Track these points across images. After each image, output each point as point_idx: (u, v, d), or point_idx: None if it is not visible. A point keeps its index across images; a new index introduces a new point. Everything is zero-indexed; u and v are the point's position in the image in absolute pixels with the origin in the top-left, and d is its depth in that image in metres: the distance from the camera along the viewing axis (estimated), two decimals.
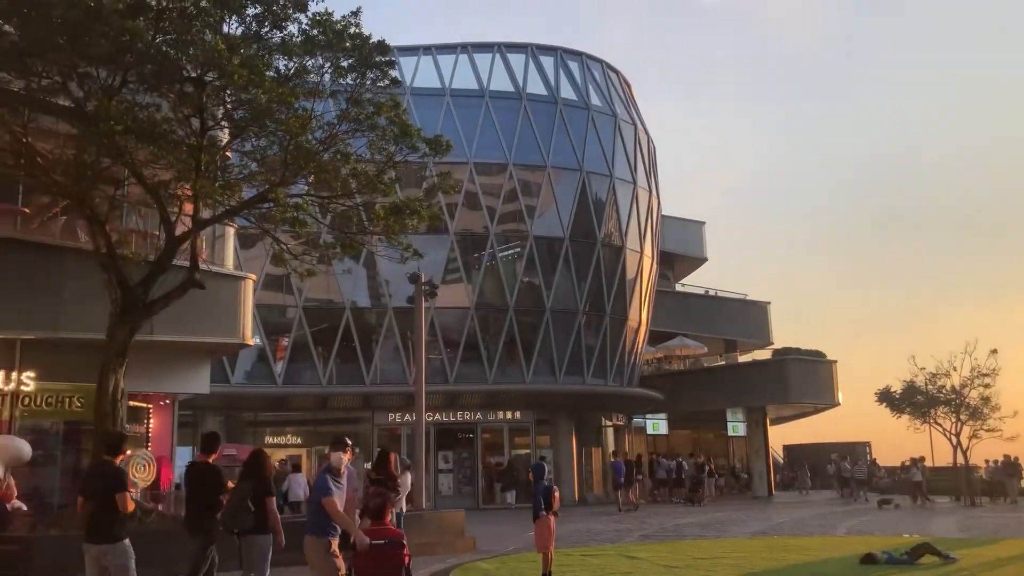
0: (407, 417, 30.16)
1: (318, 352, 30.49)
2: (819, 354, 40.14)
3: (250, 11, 12.72)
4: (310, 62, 13.35)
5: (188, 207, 13.94)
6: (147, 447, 16.86)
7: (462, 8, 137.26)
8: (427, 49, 33.72)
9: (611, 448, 36.00)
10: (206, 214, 14.20)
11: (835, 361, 40.23)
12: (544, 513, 11.37)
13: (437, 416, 31.15)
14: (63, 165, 12.96)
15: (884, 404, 35.67)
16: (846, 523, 22.99)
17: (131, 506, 7.98)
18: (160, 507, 15.13)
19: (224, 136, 14.25)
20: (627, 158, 35.03)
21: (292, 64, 13.33)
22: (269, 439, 31.59)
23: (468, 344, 31.47)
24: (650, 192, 36.41)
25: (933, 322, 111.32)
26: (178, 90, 12.79)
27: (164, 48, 12.12)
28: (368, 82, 13.72)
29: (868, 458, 44.00)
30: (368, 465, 15.04)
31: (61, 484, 16.27)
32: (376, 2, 15.92)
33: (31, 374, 14.83)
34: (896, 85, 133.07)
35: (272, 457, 11.99)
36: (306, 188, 14.67)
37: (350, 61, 13.46)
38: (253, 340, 18.95)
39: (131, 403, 15.90)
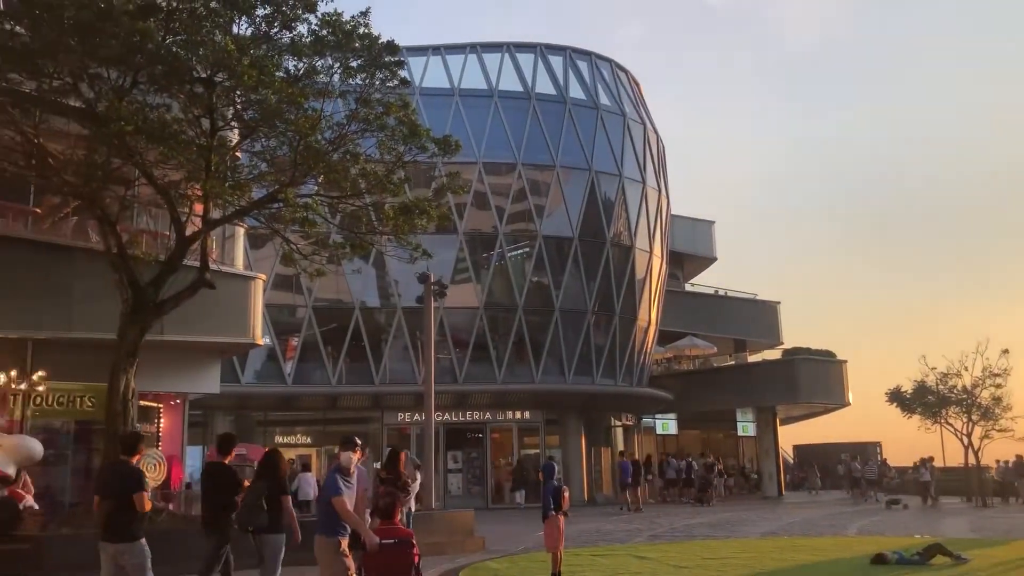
0: (416, 417, 30.17)
1: (328, 352, 30.53)
2: (829, 354, 40.03)
3: (260, 12, 12.75)
4: (319, 62, 13.38)
5: (198, 207, 13.99)
6: (157, 447, 16.92)
7: (471, 8, 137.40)
8: (436, 49, 33.74)
9: (620, 448, 35.93)
10: (216, 214, 14.26)
11: (845, 361, 40.15)
12: (554, 513, 11.37)
13: (446, 416, 31.15)
14: (74, 166, 13.01)
15: (895, 404, 35.50)
16: (856, 523, 22.91)
17: (149, 505, 8.07)
18: (171, 506, 15.20)
19: (234, 136, 14.29)
20: (636, 157, 34.98)
21: (302, 64, 13.36)
22: (279, 439, 31.64)
23: (477, 344, 31.47)
24: (659, 191, 36.34)
25: (944, 322, 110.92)
26: (188, 91, 12.83)
27: (174, 49, 12.15)
28: (377, 82, 13.74)
29: (879, 458, 43.83)
30: (378, 464, 15.08)
31: (72, 483, 16.35)
32: (385, 2, 15.93)
33: (42, 374, 14.89)
34: (906, 83, 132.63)
35: None
36: (316, 188, 14.69)
37: (359, 61, 13.47)
38: (263, 340, 19.00)
39: (142, 403, 15.96)
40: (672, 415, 41.29)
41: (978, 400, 32.91)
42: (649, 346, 36.29)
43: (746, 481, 42.20)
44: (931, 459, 33.67)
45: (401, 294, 30.09)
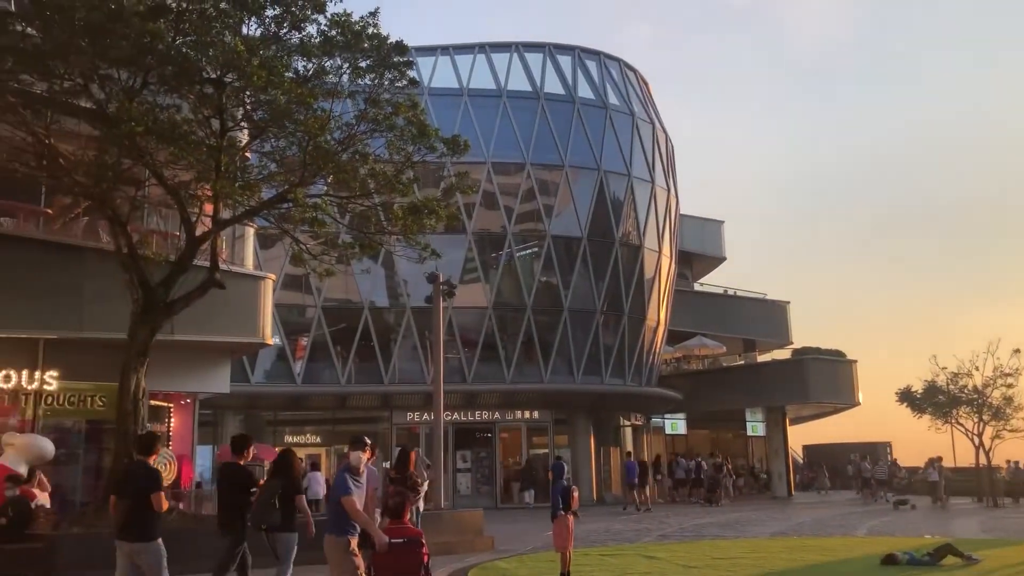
0: (425, 416, 30.22)
1: (337, 352, 30.60)
2: (839, 354, 39.89)
3: (269, 12, 12.78)
4: (328, 63, 13.40)
5: (208, 207, 14.03)
6: (168, 446, 16.98)
7: (479, 8, 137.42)
8: (445, 49, 33.77)
9: (628, 448, 35.91)
10: (226, 214, 14.29)
11: (855, 361, 40.03)
12: (563, 512, 11.36)
13: (455, 415, 31.21)
14: (85, 166, 13.07)
15: (905, 404, 35.37)
16: (866, 524, 22.83)
17: (166, 505, 8.14)
18: (181, 505, 15.25)
19: (244, 137, 14.33)
20: (645, 157, 34.93)
21: (311, 65, 13.38)
22: (288, 438, 31.71)
23: (486, 344, 31.49)
24: (668, 191, 36.28)
25: (955, 321, 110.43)
26: (198, 91, 12.87)
27: (184, 50, 12.20)
28: (386, 82, 13.75)
29: (889, 458, 43.69)
30: (387, 464, 15.13)
31: (83, 482, 16.43)
32: (394, 2, 15.96)
33: (54, 373, 14.99)
34: (916, 83, 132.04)
35: None
36: (325, 188, 14.71)
37: (368, 62, 13.49)
38: (273, 340, 19.05)
39: (152, 402, 16.03)
40: (681, 415, 41.24)
41: (989, 400, 32.76)
42: (658, 346, 36.24)
43: (755, 481, 42.11)
44: (939, 459, 33.55)
45: (410, 294, 30.10)
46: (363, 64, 13.48)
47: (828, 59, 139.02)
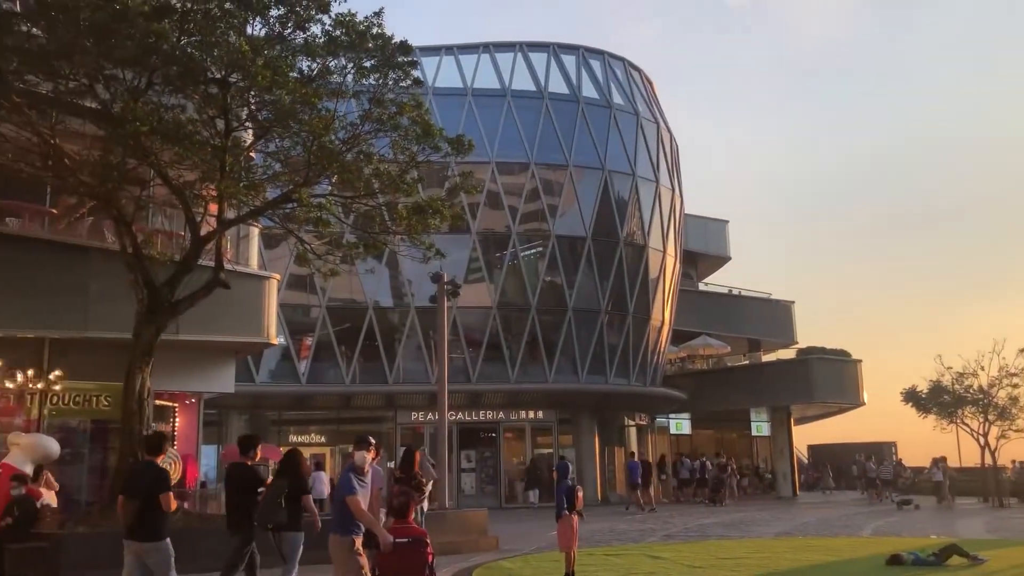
0: (430, 416, 30.21)
1: (341, 351, 30.61)
2: (844, 353, 39.80)
3: (273, 12, 12.81)
4: (333, 63, 13.42)
5: (213, 207, 14.06)
6: (173, 445, 17.01)
7: (484, 8, 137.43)
8: (449, 49, 33.76)
9: (632, 448, 35.89)
10: (231, 214, 14.32)
11: (860, 360, 39.91)
12: (567, 512, 11.36)
13: (460, 415, 31.19)
14: (90, 166, 13.10)
15: (910, 404, 35.31)
16: (872, 524, 22.79)
17: (175, 505, 8.16)
18: (185, 505, 15.27)
19: (248, 137, 14.36)
20: (649, 156, 34.89)
21: (315, 65, 13.41)
22: (293, 438, 31.76)
23: (490, 343, 31.47)
24: (673, 191, 36.24)
25: (960, 321, 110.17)
26: (203, 91, 12.90)
27: (189, 50, 12.21)
28: (390, 82, 13.77)
29: (894, 458, 43.59)
30: (392, 464, 15.13)
31: (88, 482, 16.48)
32: (398, 2, 15.97)
33: (59, 373, 15.02)
34: (916, 83, 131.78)
35: None
36: (329, 188, 14.74)
37: (373, 62, 13.51)
38: (277, 339, 19.08)
39: (157, 402, 16.08)
40: (686, 415, 41.18)
41: (995, 400, 32.68)
42: (663, 345, 36.21)
43: (760, 481, 42.04)
44: (944, 459, 33.47)
45: (414, 294, 30.12)
46: (367, 64, 13.50)
47: (829, 59, 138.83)
